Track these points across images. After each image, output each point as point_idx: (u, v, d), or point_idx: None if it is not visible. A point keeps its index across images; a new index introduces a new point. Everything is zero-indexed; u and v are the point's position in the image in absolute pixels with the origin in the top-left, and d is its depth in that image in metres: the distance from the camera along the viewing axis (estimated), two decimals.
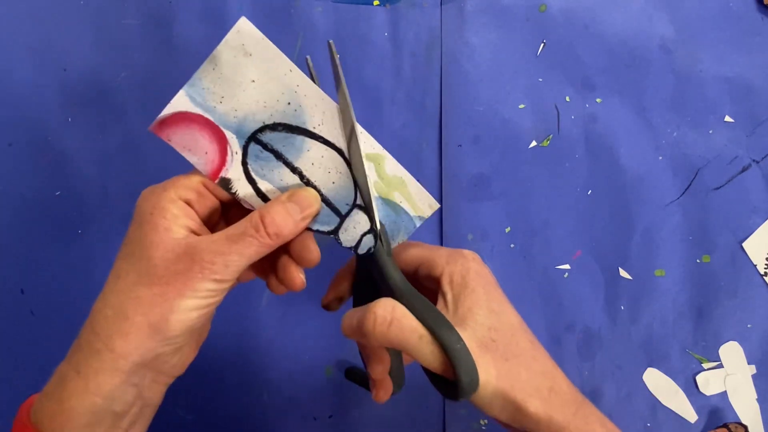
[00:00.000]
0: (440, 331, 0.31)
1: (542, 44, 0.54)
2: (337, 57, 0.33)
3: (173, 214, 0.31)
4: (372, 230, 0.34)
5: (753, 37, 0.54)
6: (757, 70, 0.54)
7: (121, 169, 0.52)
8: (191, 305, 0.30)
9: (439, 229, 0.53)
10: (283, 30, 0.53)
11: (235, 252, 0.30)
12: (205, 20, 0.53)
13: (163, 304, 0.30)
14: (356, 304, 0.38)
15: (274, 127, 0.33)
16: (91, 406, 0.30)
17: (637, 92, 0.54)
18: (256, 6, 0.53)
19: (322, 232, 0.35)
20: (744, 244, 0.53)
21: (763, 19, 0.54)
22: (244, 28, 0.33)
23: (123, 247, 0.31)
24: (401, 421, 0.52)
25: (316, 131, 0.33)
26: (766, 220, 0.53)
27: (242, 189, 0.34)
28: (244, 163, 0.33)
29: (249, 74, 0.32)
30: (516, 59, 0.54)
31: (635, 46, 0.54)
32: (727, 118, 0.54)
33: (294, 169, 0.34)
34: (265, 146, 0.33)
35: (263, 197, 0.34)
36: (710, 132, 0.54)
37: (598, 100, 0.54)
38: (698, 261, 0.53)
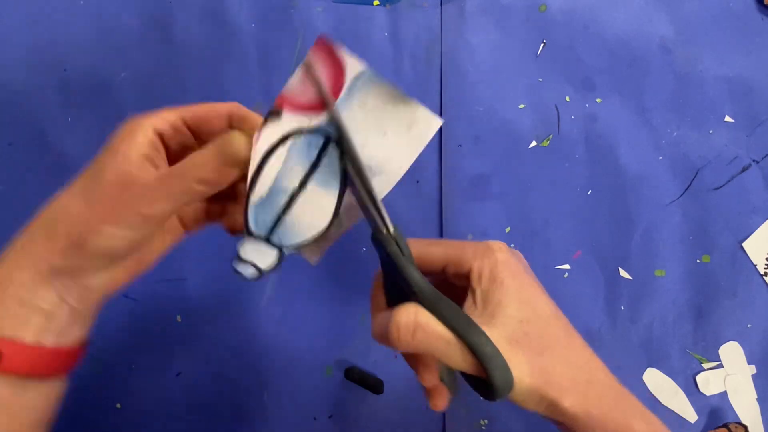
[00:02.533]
0: (468, 334, 0.30)
1: (542, 44, 0.54)
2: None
3: (138, 142, 0.31)
4: (386, 234, 0.33)
5: (753, 37, 0.54)
6: (757, 70, 0.54)
7: None
8: (112, 233, 0.30)
9: (439, 229, 0.53)
10: (283, 30, 0.53)
11: (162, 191, 0.31)
12: (205, 20, 0.53)
13: (85, 223, 0.30)
14: (390, 305, 0.37)
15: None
16: (18, 297, 0.31)
17: (637, 92, 0.54)
18: (256, 6, 0.53)
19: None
20: (744, 244, 0.53)
21: (763, 19, 0.54)
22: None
23: (91, 162, 0.32)
24: (401, 421, 0.52)
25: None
26: (766, 220, 0.53)
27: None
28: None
29: None
30: (516, 59, 0.54)
31: (635, 46, 0.54)
32: (727, 118, 0.54)
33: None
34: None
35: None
36: (710, 132, 0.54)
37: (598, 100, 0.54)
38: (698, 261, 0.53)
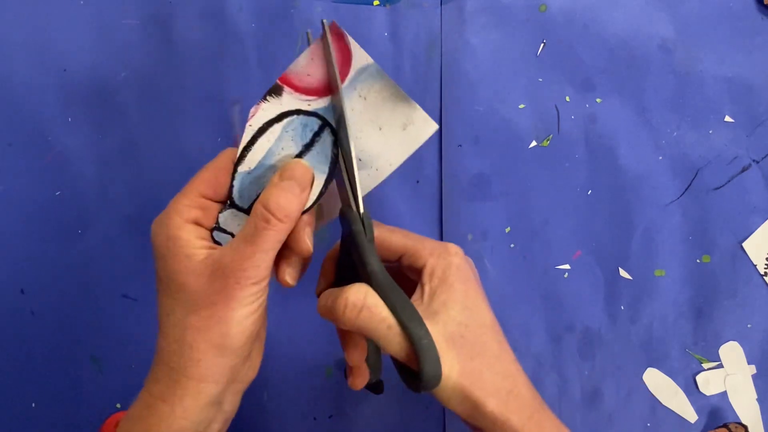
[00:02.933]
0: (410, 323, 0.31)
1: (542, 44, 0.54)
2: (330, 40, 0.33)
3: (186, 239, 0.32)
4: (355, 211, 0.34)
5: (753, 37, 0.54)
6: (757, 70, 0.54)
7: (121, 169, 0.52)
8: (243, 314, 0.31)
9: (439, 229, 0.53)
10: (283, 30, 0.53)
11: (258, 251, 0.31)
12: (205, 20, 0.53)
13: (218, 323, 0.31)
14: (336, 283, 0.38)
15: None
16: (179, 429, 0.32)
17: (637, 92, 0.54)
18: (256, 6, 0.53)
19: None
20: (744, 244, 0.53)
21: (763, 19, 0.54)
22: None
23: (158, 285, 0.33)
24: (401, 421, 0.52)
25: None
26: (766, 220, 0.53)
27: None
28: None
29: None
30: (516, 59, 0.54)
31: (635, 46, 0.54)
32: (727, 118, 0.54)
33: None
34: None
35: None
36: (710, 132, 0.54)
37: (598, 100, 0.54)
38: (698, 261, 0.53)
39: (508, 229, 0.53)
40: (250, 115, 0.34)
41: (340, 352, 0.52)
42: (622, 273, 0.53)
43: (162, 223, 0.33)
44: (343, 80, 0.34)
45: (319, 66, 0.34)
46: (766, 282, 0.53)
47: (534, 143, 0.54)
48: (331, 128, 0.34)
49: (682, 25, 0.54)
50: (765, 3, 0.54)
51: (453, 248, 0.37)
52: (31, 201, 0.51)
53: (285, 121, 0.34)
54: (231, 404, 0.35)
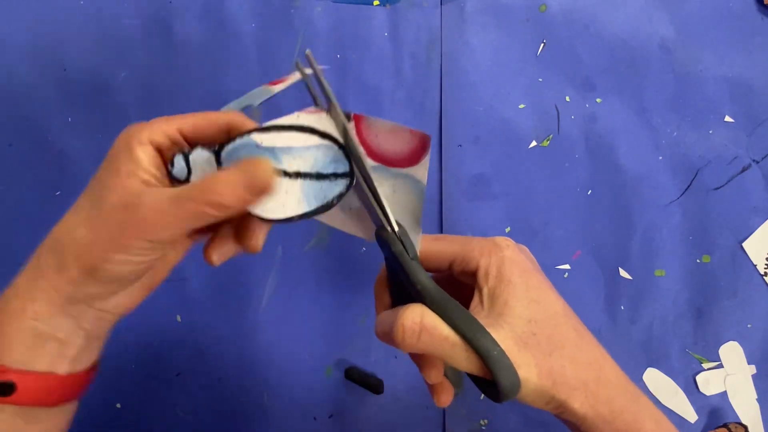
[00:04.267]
0: (474, 336, 0.29)
1: (542, 44, 0.54)
2: (317, 66, 0.32)
3: (138, 157, 0.30)
4: (391, 232, 0.32)
5: (753, 37, 0.54)
6: (757, 70, 0.54)
7: None
8: (122, 259, 0.30)
9: (439, 229, 0.53)
10: (283, 30, 0.53)
11: (174, 215, 0.29)
12: (205, 20, 0.53)
13: (95, 251, 0.29)
14: (393, 304, 0.36)
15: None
16: (32, 329, 0.30)
17: (637, 92, 0.54)
18: (256, 6, 0.53)
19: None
20: (744, 244, 0.53)
21: (763, 19, 0.54)
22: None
23: (90, 181, 0.31)
24: (401, 421, 0.52)
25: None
26: (766, 220, 0.53)
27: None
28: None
29: None
30: (516, 59, 0.54)
31: (635, 46, 0.54)
32: (727, 118, 0.54)
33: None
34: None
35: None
36: (710, 132, 0.54)
37: (598, 100, 0.54)
38: (698, 261, 0.53)
39: (508, 229, 0.53)
40: (306, 110, 0.32)
41: (340, 352, 0.52)
42: (622, 273, 0.53)
43: (132, 128, 0.31)
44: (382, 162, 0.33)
45: (395, 139, 0.33)
46: (766, 282, 0.53)
47: (534, 143, 0.54)
48: (351, 181, 0.32)
49: (682, 25, 0.54)
50: (765, 3, 0.54)
51: (502, 241, 0.34)
52: (31, 201, 0.51)
53: (326, 143, 0.32)
54: (95, 326, 0.32)
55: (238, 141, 0.31)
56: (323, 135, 0.32)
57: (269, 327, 0.52)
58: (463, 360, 0.30)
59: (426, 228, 0.53)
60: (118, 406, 0.51)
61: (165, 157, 0.31)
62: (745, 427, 0.50)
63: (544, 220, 0.53)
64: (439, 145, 0.53)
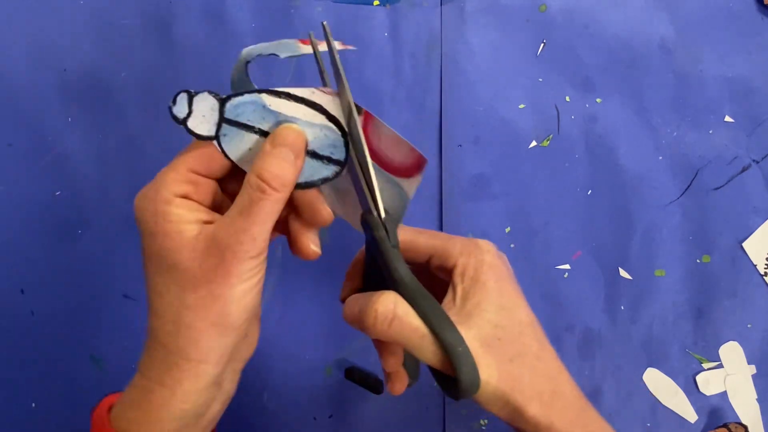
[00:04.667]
0: (442, 331, 0.30)
1: (542, 44, 0.54)
2: (332, 41, 0.32)
3: (177, 214, 0.30)
4: (377, 217, 0.33)
5: (753, 37, 0.54)
6: (757, 70, 0.54)
7: (121, 169, 0.52)
8: (242, 291, 0.30)
9: (439, 229, 0.53)
10: (283, 30, 0.53)
11: (254, 223, 0.29)
12: (205, 20, 0.53)
13: (217, 301, 0.29)
14: (364, 288, 0.37)
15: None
16: (180, 412, 0.30)
17: (637, 92, 0.54)
18: (256, 6, 0.53)
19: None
20: (744, 244, 0.53)
21: (763, 19, 0.54)
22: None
23: (147, 263, 0.31)
24: (401, 421, 0.52)
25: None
26: (766, 220, 0.53)
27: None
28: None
29: None
30: (516, 59, 0.54)
31: (635, 46, 0.54)
32: (727, 118, 0.54)
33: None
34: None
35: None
36: (710, 132, 0.54)
37: (598, 100, 0.54)
38: (698, 261, 0.53)
39: (508, 229, 0.53)
40: (322, 89, 0.32)
41: (340, 351, 0.52)
42: (622, 273, 0.53)
43: (148, 197, 0.30)
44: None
45: (395, 149, 0.33)
46: (766, 282, 0.53)
47: (534, 143, 0.54)
48: (340, 170, 0.33)
49: (682, 25, 0.54)
50: (765, 3, 0.54)
51: (484, 245, 0.35)
52: (31, 201, 0.51)
53: (331, 126, 0.32)
54: (230, 383, 0.33)
55: (247, 97, 0.31)
56: (331, 118, 0.32)
57: (269, 327, 0.52)
58: (429, 353, 0.31)
59: (426, 226, 0.53)
60: None
61: (197, 200, 0.31)
62: (745, 427, 0.50)
63: (544, 220, 0.53)
64: (439, 145, 0.53)
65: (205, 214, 0.31)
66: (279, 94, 0.31)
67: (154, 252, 0.30)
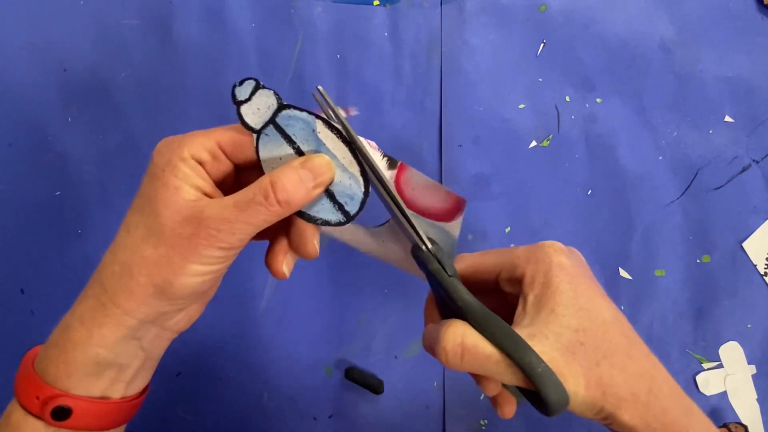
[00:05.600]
0: (517, 353, 0.29)
1: (542, 44, 0.54)
2: (336, 108, 0.32)
3: (184, 173, 0.30)
4: (426, 251, 0.33)
5: (753, 37, 0.54)
6: (757, 70, 0.54)
7: (121, 169, 0.52)
8: (196, 270, 0.30)
9: None
10: (283, 30, 0.53)
11: (241, 220, 0.29)
12: (205, 20, 0.53)
13: (168, 266, 0.29)
14: (442, 316, 0.36)
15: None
16: (95, 356, 0.30)
17: (637, 92, 0.54)
18: (256, 6, 0.53)
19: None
20: (744, 244, 0.53)
21: (763, 19, 0.54)
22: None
23: (135, 200, 0.31)
24: (401, 421, 0.52)
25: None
26: (766, 220, 0.53)
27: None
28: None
29: None
30: (516, 59, 0.54)
31: (635, 46, 0.54)
32: (727, 118, 0.54)
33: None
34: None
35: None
36: (710, 132, 0.54)
37: (598, 100, 0.54)
38: (698, 261, 0.53)
39: (508, 229, 0.53)
40: (371, 143, 0.33)
41: (340, 352, 0.52)
42: (622, 273, 0.53)
43: (169, 145, 0.31)
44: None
45: (431, 196, 0.34)
46: (766, 282, 0.53)
47: (534, 143, 0.54)
48: (344, 222, 0.33)
49: (682, 25, 0.54)
50: (765, 3, 0.54)
51: (550, 246, 0.33)
52: (31, 201, 0.51)
53: (359, 178, 0.32)
54: (154, 346, 0.32)
55: (303, 114, 0.32)
56: (363, 173, 0.32)
57: (269, 327, 0.52)
58: (509, 374, 0.29)
59: None
60: None
61: (209, 171, 0.31)
62: (745, 427, 0.50)
63: (544, 220, 0.53)
64: (439, 145, 0.53)
65: (208, 187, 0.31)
66: (332, 128, 0.32)
67: (146, 194, 0.30)
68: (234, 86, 0.31)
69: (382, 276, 0.52)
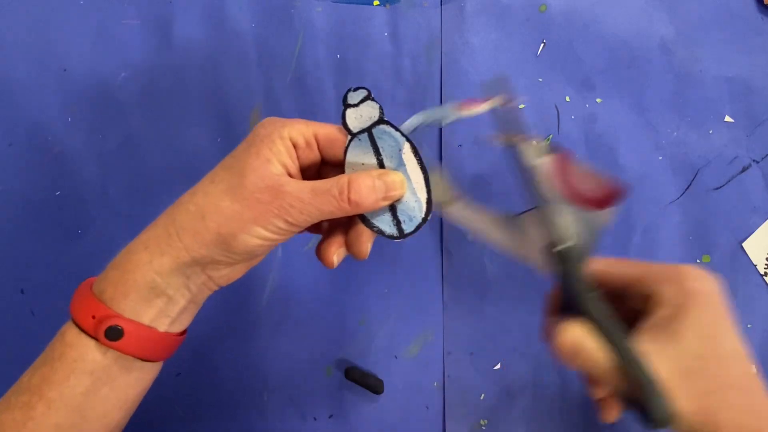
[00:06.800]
0: (631, 366, 0.30)
1: (542, 44, 0.54)
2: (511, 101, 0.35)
3: (278, 149, 0.33)
4: (562, 250, 0.35)
5: (753, 37, 0.54)
6: (757, 70, 0.54)
7: (121, 169, 0.52)
8: (259, 233, 0.32)
9: (439, 229, 0.53)
10: (283, 30, 0.53)
11: (313, 204, 0.32)
12: (205, 20, 0.53)
13: (237, 222, 0.32)
14: (564, 309, 0.37)
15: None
16: (151, 281, 0.33)
17: (637, 92, 0.54)
18: (256, 6, 0.53)
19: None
20: (744, 244, 0.53)
21: (763, 19, 0.54)
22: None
23: (227, 158, 0.34)
24: (401, 421, 0.52)
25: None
26: (766, 220, 0.53)
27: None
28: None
29: None
30: (516, 59, 0.54)
31: (635, 46, 0.54)
32: (727, 118, 0.54)
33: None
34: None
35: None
36: (710, 132, 0.54)
37: (598, 100, 0.54)
38: (698, 261, 0.53)
39: None
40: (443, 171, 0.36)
41: (340, 352, 0.52)
42: None
43: (274, 122, 0.34)
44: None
45: (591, 183, 0.36)
46: (766, 282, 0.53)
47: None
48: (396, 237, 0.36)
49: (682, 25, 0.54)
50: (765, 3, 0.54)
51: (692, 272, 0.35)
52: (31, 201, 0.52)
53: (423, 205, 0.36)
54: (199, 291, 0.35)
55: (396, 134, 0.35)
56: (428, 200, 0.36)
57: (269, 327, 0.52)
58: (618, 383, 0.31)
59: (426, 228, 0.53)
60: None
61: (299, 156, 0.35)
62: None
63: None
64: (439, 145, 0.53)
65: (293, 168, 0.34)
66: (417, 153, 0.35)
67: (239, 156, 0.33)
68: (349, 90, 0.35)
69: (382, 276, 0.52)
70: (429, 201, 0.35)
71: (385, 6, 0.54)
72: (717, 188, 0.53)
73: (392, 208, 0.35)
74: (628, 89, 0.54)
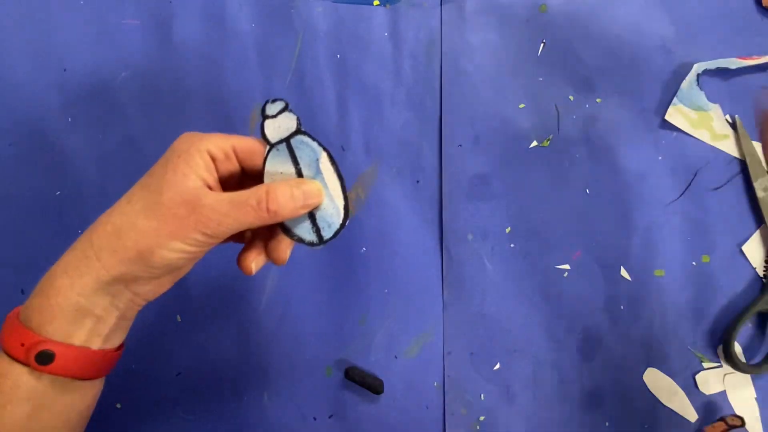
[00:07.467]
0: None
1: (542, 44, 0.54)
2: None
3: (196, 162, 0.34)
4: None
5: (753, 38, 0.54)
6: (757, 70, 0.54)
7: (121, 169, 0.52)
8: (177, 247, 0.33)
9: (439, 229, 0.53)
10: (283, 30, 0.53)
11: (232, 216, 0.33)
12: (205, 20, 0.53)
13: (154, 238, 0.33)
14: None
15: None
16: (75, 303, 0.33)
17: (637, 92, 0.54)
18: (256, 6, 0.53)
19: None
20: (743, 245, 0.53)
21: (762, 19, 0.54)
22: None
23: (144, 177, 0.35)
24: (401, 421, 0.52)
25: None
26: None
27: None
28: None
29: None
30: (516, 59, 0.54)
31: (635, 46, 0.54)
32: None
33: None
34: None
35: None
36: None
37: (598, 100, 0.54)
38: (698, 261, 0.53)
39: (508, 229, 0.53)
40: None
41: (340, 352, 0.52)
42: (622, 273, 0.53)
43: (191, 138, 0.35)
44: None
45: None
46: (765, 282, 0.53)
47: (534, 143, 0.54)
48: (315, 245, 0.37)
49: (682, 25, 0.54)
50: (764, 5, 0.54)
51: None
52: (31, 201, 0.51)
53: (341, 211, 0.37)
54: (127, 308, 0.36)
55: (314, 144, 0.36)
56: (346, 208, 0.37)
57: (269, 327, 0.52)
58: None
59: (426, 228, 0.53)
60: (118, 406, 0.51)
61: (218, 168, 0.35)
62: (742, 419, 0.50)
63: (544, 220, 0.53)
64: (439, 145, 0.53)
65: (212, 180, 0.35)
66: (333, 162, 0.36)
67: (156, 174, 0.34)
68: (267, 101, 0.36)
69: (382, 276, 0.52)
70: (346, 207, 0.37)
71: (385, 6, 0.54)
72: (717, 188, 0.53)
73: (311, 216, 0.36)
74: (628, 89, 0.54)
